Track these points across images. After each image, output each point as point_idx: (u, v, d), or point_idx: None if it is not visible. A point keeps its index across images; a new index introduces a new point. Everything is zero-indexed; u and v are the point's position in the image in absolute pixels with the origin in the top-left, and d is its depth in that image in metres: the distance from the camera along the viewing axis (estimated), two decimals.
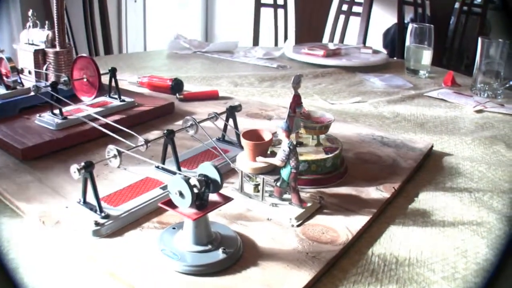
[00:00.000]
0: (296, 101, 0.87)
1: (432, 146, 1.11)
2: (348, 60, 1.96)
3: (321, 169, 0.89)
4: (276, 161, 0.76)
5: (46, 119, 1.07)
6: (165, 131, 0.84)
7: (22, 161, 0.95)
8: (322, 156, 0.90)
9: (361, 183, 0.91)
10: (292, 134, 0.88)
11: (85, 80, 1.16)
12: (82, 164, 0.70)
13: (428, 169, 1.02)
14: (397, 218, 0.82)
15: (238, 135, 0.99)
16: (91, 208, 0.74)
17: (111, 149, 0.73)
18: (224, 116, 0.97)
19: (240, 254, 0.68)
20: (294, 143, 0.76)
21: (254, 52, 2.11)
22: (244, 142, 0.78)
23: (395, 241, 0.76)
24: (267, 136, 0.79)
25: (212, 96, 1.43)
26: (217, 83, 1.63)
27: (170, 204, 0.65)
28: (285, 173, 0.77)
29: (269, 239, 0.73)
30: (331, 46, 2.13)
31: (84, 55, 1.17)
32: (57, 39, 1.26)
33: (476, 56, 1.61)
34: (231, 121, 0.98)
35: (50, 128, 1.05)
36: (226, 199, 0.67)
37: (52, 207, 0.79)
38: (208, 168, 0.65)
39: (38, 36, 1.28)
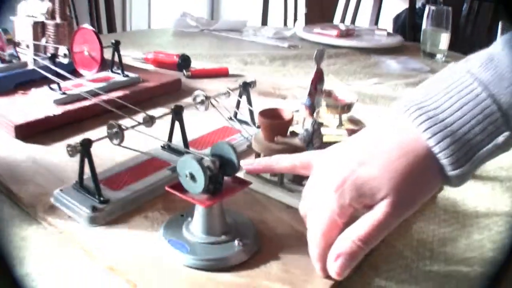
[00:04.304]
0: (318, 77, 0.79)
1: None
2: (363, 41, 1.89)
3: None
4: (297, 142, 0.68)
5: (43, 94, 1.00)
6: (173, 107, 0.76)
7: (16, 139, 0.88)
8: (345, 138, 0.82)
9: None
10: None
11: (86, 53, 1.09)
12: (78, 141, 0.62)
13: None
14: (427, 208, 0.75)
15: (252, 113, 0.92)
16: (89, 191, 0.67)
17: (112, 125, 0.65)
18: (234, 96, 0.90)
19: (258, 246, 0.60)
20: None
21: (264, 31, 2.04)
22: (261, 121, 0.71)
23: (427, 233, 0.69)
24: (287, 115, 0.72)
25: (221, 74, 1.36)
26: (226, 61, 1.56)
27: (179, 188, 0.57)
28: None
29: (290, 229, 0.65)
30: (342, 27, 2.06)
31: (86, 26, 1.09)
32: (57, 10, 1.19)
33: (488, 43, 1.53)
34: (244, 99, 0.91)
35: (47, 104, 0.98)
36: (243, 184, 0.60)
37: (46, 190, 0.71)
38: (222, 148, 0.57)
39: (38, 8, 1.21)
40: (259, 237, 0.62)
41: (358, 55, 1.76)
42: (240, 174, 0.65)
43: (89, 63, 1.10)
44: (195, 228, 0.59)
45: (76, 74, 1.09)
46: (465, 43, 3.00)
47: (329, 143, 0.78)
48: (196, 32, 2.01)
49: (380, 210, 0.51)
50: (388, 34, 2.05)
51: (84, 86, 1.03)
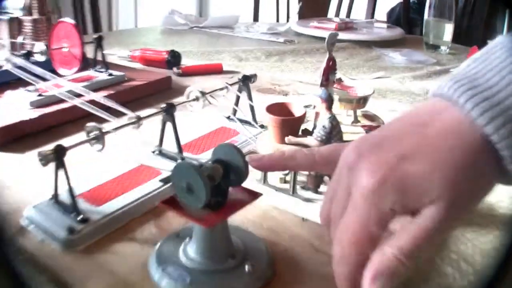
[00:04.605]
0: (331, 66, 0.69)
1: None
2: (363, 34, 1.81)
3: None
4: (312, 141, 0.59)
5: (18, 97, 0.92)
6: (164, 105, 0.66)
7: None
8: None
9: None
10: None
11: (65, 49, 1.00)
12: (51, 149, 0.52)
13: None
14: None
15: (253, 111, 0.84)
16: (65, 208, 0.56)
17: (91, 128, 0.55)
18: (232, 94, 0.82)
19: (273, 271, 0.51)
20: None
21: (257, 27, 1.97)
22: (269, 118, 0.61)
23: (465, 243, 0.59)
24: (298, 111, 0.62)
25: (215, 70, 1.28)
26: (218, 58, 1.47)
27: (174, 203, 0.47)
28: None
29: (309, 248, 0.56)
30: (338, 20, 1.98)
31: (66, 19, 1.01)
32: (34, 4, 1.12)
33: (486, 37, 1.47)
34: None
35: (22, 107, 0.89)
36: (253, 195, 0.49)
37: (18, 206, 0.61)
38: (226, 151, 0.47)
39: (14, 3, 1.14)
40: (272, 259, 0.52)
41: (359, 49, 1.69)
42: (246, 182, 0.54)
43: (69, 61, 1.02)
44: (195, 251, 0.49)
45: (56, 74, 1.00)
46: (461, 36, 2.93)
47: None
48: (185, 30, 1.94)
49: (429, 215, 0.40)
50: (388, 26, 1.99)
51: (63, 86, 0.94)
